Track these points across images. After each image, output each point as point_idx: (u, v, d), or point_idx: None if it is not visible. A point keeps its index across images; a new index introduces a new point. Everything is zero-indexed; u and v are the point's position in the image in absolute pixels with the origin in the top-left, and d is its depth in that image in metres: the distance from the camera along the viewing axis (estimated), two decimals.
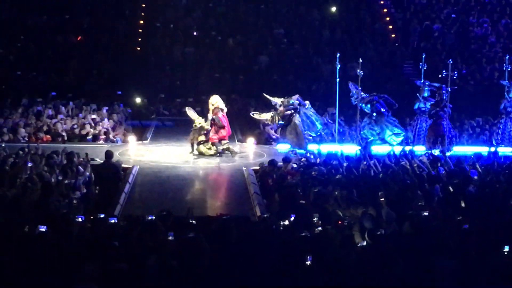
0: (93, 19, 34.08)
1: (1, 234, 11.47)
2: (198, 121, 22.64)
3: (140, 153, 23.02)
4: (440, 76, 25.32)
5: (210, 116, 22.58)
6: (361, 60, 24.76)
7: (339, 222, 13.57)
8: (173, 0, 36.05)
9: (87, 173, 17.80)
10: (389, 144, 23.80)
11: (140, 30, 35.00)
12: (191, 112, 23.00)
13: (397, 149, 21.71)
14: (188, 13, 35.39)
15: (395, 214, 13.91)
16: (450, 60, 24.93)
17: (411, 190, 16.17)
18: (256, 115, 24.57)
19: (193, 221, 12.91)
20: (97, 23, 33.85)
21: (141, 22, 35.44)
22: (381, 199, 14.69)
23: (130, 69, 31.63)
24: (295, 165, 19.23)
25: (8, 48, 31.82)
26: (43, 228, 11.61)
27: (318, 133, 24.24)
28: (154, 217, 12.71)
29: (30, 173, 16.83)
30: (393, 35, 35.82)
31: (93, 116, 26.06)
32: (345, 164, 19.23)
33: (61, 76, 30.55)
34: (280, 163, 19.31)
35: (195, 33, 34.19)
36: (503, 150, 23.70)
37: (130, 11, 35.48)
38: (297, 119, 23.82)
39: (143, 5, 36.49)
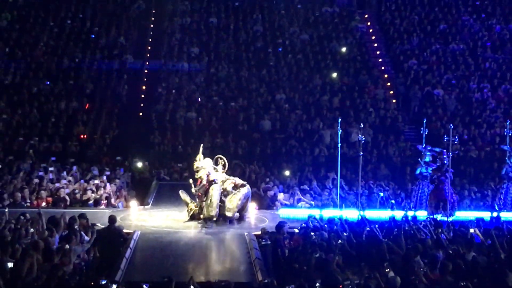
0: (97, 85, 34.38)
1: None
2: (191, 205, 22.73)
3: (142, 218, 22.94)
4: (441, 141, 25.40)
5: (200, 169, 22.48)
6: (362, 125, 24.90)
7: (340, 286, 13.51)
8: (175, 65, 36.39)
9: (89, 239, 17.82)
10: None
11: (143, 96, 35.28)
12: (184, 195, 23.02)
13: (399, 214, 21.67)
14: (190, 78, 35.68)
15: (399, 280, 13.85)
16: (451, 125, 25.03)
17: (414, 255, 16.11)
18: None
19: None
20: (100, 89, 34.13)
21: (144, 87, 35.74)
22: (386, 270, 14.64)
23: (133, 134, 31.81)
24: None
25: (12, 114, 31.96)
26: None
27: None
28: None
29: (31, 239, 16.79)
30: (394, 100, 36.03)
31: (95, 181, 26.07)
32: (347, 230, 19.19)
33: (64, 142, 30.62)
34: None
35: (199, 99, 34.35)
36: (506, 215, 23.62)
37: (132, 77, 35.82)
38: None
39: (146, 71, 36.85)
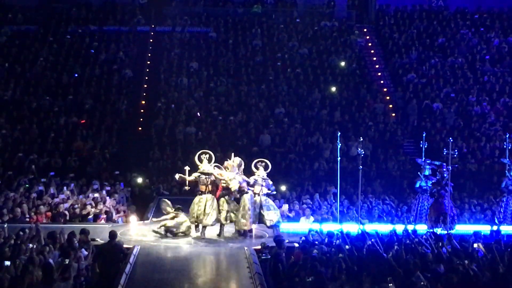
0: (96, 100, 34.41)
1: None
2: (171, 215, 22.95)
3: (142, 233, 22.92)
4: (440, 154, 25.39)
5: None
6: (361, 139, 24.91)
7: None
8: (174, 80, 36.43)
9: (87, 254, 17.79)
10: None
11: (142, 111, 35.30)
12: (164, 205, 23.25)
13: (399, 228, 21.64)
14: (189, 93, 35.71)
15: None
16: (450, 138, 25.03)
17: (415, 270, 16.08)
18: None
19: None
20: (100, 104, 34.16)
21: (143, 102, 35.77)
22: (389, 285, 14.63)
23: (132, 150, 31.84)
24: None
25: (12, 129, 31.95)
26: None
27: None
28: None
29: (30, 254, 16.76)
30: (393, 114, 36.06)
31: (95, 195, 26.05)
32: (348, 243, 19.16)
33: (64, 157, 30.59)
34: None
35: (198, 114, 34.34)
36: (506, 229, 23.60)
37: (132, 92, 35.85)
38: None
39: (145, 86, 36.88)
